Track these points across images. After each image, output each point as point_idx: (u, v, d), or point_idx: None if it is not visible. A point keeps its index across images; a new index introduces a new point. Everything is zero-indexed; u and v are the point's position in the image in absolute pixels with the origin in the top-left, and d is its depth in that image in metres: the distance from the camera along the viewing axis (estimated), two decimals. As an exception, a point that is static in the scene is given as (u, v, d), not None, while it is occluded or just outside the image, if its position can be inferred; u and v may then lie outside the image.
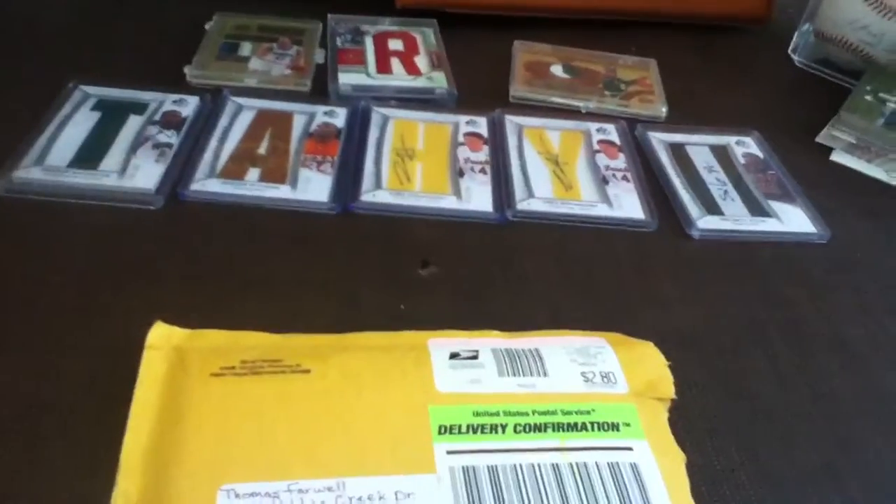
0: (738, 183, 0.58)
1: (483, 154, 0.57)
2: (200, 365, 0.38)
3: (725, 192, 0.57)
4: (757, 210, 0.55)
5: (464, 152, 0.56)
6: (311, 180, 0.52)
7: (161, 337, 0.39)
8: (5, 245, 0.45)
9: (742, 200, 0.56)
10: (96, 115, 0.55)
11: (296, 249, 0.48)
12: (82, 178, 0.49)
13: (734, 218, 0.54)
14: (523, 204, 0.53)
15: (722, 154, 0.61)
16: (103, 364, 0.39)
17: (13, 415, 0.37)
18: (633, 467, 0.36)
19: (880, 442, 0.41)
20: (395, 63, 0.65)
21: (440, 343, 0.41)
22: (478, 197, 0.53)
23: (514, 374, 0.39)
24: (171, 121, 0.55)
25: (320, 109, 0.58)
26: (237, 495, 0.32)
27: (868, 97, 0.68)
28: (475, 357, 0.40)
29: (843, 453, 0.40)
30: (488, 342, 0.41)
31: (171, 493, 0.33)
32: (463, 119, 0.60)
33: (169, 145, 0.53)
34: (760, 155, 0.61)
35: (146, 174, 0.50)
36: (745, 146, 0.62)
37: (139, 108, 0.56)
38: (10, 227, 0.46)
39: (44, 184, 0.49)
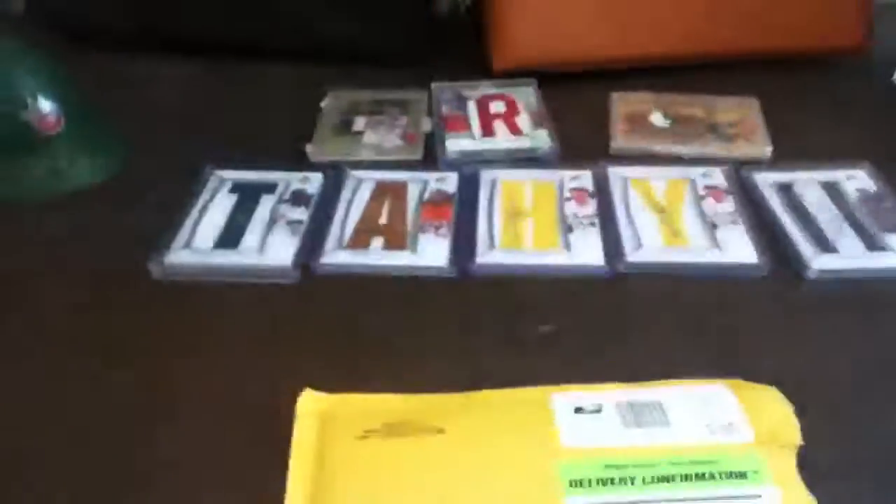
0: (852, 218, 0.57)
1: (590, 208, 0.59)
2: (347, 428, 0.41)
3: (839, 228, 0.56)
4: (873, 245, 0.55)
5: (571, 207, 0.59)
6: (430, 245, 0.55)
7: (310, 403, 0.43)
8: (162, 323, 0.51)
9: (858, 236, 0.56)
10: (233, 198, 0.60)
11: (420, 313, 0.51)
12: (226, 259, 0.55)
13: (850, 255, 0.54)
14: (633, 255, 0.54)
15: (833, 190, 0.61)
16: (255, 429, 0.43)
17: (173, 478, 0.41)
18: (764, 514, 0.37)
19: None
20: (499, 125, 0.68)
21: (563, 397, 0.43)
22: (588, 251, 0.55)
23: (639, 426, 0.41)
24: (299, 198, 0.60)
25: (433, 177, 0.62)
26: (389, 551, 0.35)
27: (983, 119, 0.67)
28: (599, 410, 0.42)
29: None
30: (610, 395, 0.43)
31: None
32: (568, 174, 0.62)
33: (300, 221, 0.58)
34: (873, 187, 0.61)
35: (282, 250, 0.55)
36: (857, 180, 0.62)
37: (270, 188, 0.61)
38: (166, 307, 0.52)
39: (193, 266, 0.54)
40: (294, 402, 0.43)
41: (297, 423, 0.42)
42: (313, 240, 0.56)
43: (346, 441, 0.40)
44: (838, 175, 0.62)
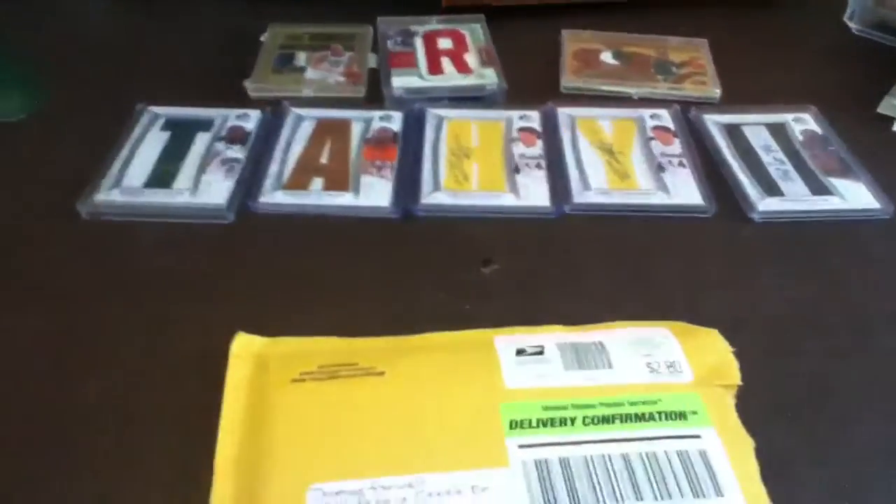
0: (798, 161, 0.57)
1: (538, 149, 0.57)
2: (281, 371, 0.40)
3: (785, 171, 0.56)
4: (818, 188, 0.55)
5: (519, 148, 0.57)
6: (373, 186, 0.53)
7: (243, 345, 0.41)
8: (89, 265, 0.48)
9: (803, 179, 0.56)
10: (166, 135, 0.58)
11: (360, 255, 0.50)
12: (158, 198, 0.52)
13: (795, 198, 0.54)
14: (580, 196, 0.54)
15: (780, 133, 0.60)
16: (187, 373, 0.41)
17: (107, 425, 0.39)
18: (702, 454, 0.37)
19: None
20: (446, 62, 0.66)
21: (506, 340, 0.42)
22: (535, 192, 0.54)
23: (580, 368, 0.40)
24: (236, 136, 0.58)
25: (376, 115, 0.60)
26: (325, 494, 0.34)
27: (930, 62, 0.67)
28: (541, 352, 0.41)
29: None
30: (553, 337, 0.43)
31: (264, 494, 0.35)
32: (516, 114, 0.61)
33: (237, 160, 0.55)
34: (819, 131, 0.61)
35: (217, 190, 0.53)
36: (804, 123, 0.61)
37: (205, 125, 0.59)
38: (93, 248, 0.49)
39: (122, 205, 0.52)
40: (228, 345, 0.41)
41: (229, 365, 0.40)
42: (250, 179, 0.54)
43: (281, 384, 0.39)
44: (786, 117, 0.62)
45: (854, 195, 0.54)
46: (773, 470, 0.37)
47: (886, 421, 0.41)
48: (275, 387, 0.39)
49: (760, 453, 0.37)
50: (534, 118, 0.60)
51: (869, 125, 0.63)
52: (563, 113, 0.61)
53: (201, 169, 0.54)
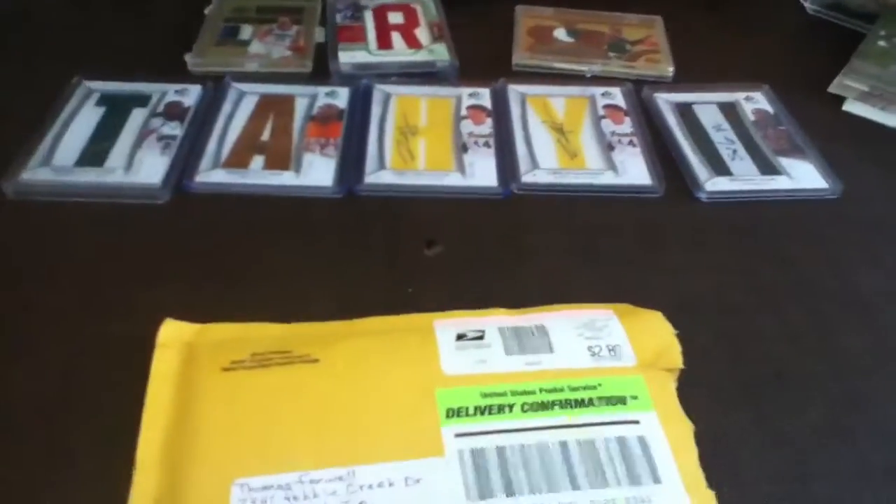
0: (748, 141, 0.57)
1: (487, 127, 0.56)
2: (211, 360, 0.38)
3: (734, 151, 0.56)
4: (767, 168, 0.54)
5: (467, 126, 0.56)
6: (315, 164, 0.52)
7: (171, 334, 0.40)
8: (16, 247, 0.46)
9: (751, 159, 0.55)
10: (101, 111, 0.55)
11: (301, 236, 0.48)
12: (89, 177, 0.50)
13: (743, 178, 0.53)
14: (528, 176, 0.52)
15: (731, 112, 0.60)
16: (117, 361, 0.40)
17: (31, 413, 0.38)
18: (641, 440, 0.36)
19: (890, 397, 0.41)
20: (396, 37, 0.64)
21: (446, 324, 0.41)
22: (482, 172, 0.52)
23: (521, 352, 0.39)
24: (174, 112, 0.55)
25: (322, 91, 0.58)
26: (251, 489, 0.33)
27: (882, 42, 0.67)
28: (481, 337, 0.40)
29: (855, 411, 0.40)
30: (495, 321, 0.42)
31: (187, 488, 0.34)
32: (466, 91, 0.59)
33: (173, 137, 0.53)
34: (770, 110, 0.60)
35: (151, 168, 0.51)
36: (755, 102, 0.61)
37: (142, 100, 0.56)
38: (21, 229, 0.47)
39: (52, 184, 0.49)
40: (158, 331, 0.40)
41: (155, 355, 0.38)
42: (187, 157, 0.52)
43: (210, 373, 0.38)
44: (737, 96, 0.61)
45: (802, 175, 0.54)
46: (716, 454, 0.36)
47: (837, 400, 0.41)
48: (203, 377, 0.38)
49: (704, 437, 0.37)
50: (484, 96, 0.59)
51: (821, 104, 0.62)
52: (514, 90, 0.60)
53: (136, 146, 0.52)
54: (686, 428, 0.37)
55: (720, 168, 0.54)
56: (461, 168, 0.53)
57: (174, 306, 0.41)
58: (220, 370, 0.38)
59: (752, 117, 0.59)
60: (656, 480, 0.35)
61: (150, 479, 0.34)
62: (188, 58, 0.61)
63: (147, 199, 0.49)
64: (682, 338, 0.41)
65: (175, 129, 0.54)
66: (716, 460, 0.36)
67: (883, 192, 0.54)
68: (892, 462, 0.38)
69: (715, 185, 0.52)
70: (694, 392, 0.39)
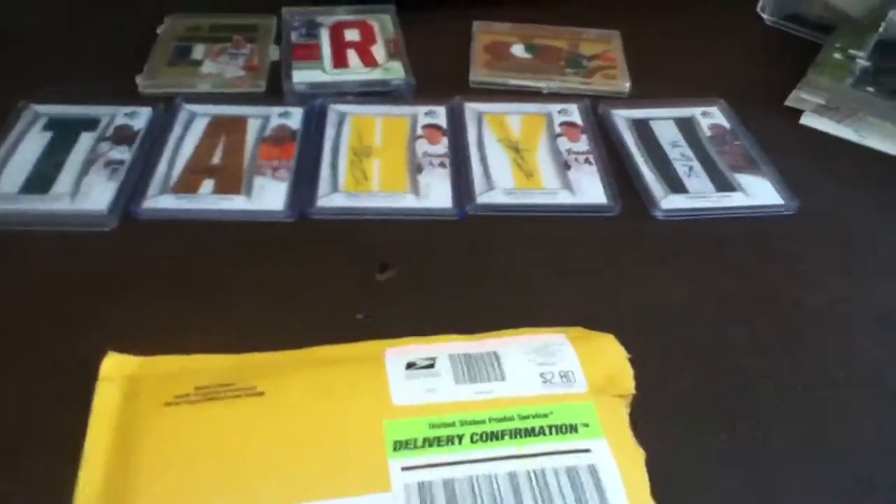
0: (704, 157, 0.57)
1: (442, 146, 0.56)
2: (153, 394, 0.37)
3: (691, 168, 0.56)
4: (722, 185, 0.54)
5: (422, 146, 0.55)
6: (267, 188, 0.51)
7: (113, 367, 0.39)
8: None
9: (708, 176, 0.55)
10: (48, 136, 0.54)
11: (251, 262, 0.47)
12: (34, 204, 0.49)
13: (699, 195, 0.53)
14: (483, 197, 0.52)
15: (687, 127, 0.60)
16: (58, 395, 0.39)
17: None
18: (591, 469, 0.36)
19: (862, 408, 0.41)
20: (352, 55, 0.63)
21: (397, 352, 0.40)
22: (437, 193, 0.52)
23: (472, 381, 0.39)
24: (123, 135, 0.54)
25: (275, 111, 0.57)
26: (191, 529, 0.32)
27: (837, 55, 0.67)
28: (432, 365, 0.39)
29: (817, 429, 0.40)
30: (446, 347, 0.41)
31: (127, 529, 0.33)
32: (422, 110, 0.59)
33: (121, 162, 0.52)
34: (727, 125, 0.60)
35: (98, 195, 0.50)
36: (711, 117, 0.61)
37: (91, 124, 0.55)
38: (-36, 260, 0.46)
39: (-5, 212, 0.48)
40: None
41: (97, 390, 0.37)
42: (136, 182, 0.51)
43: (153, 408, 0.37)
44: (694, 111, 0.61)
45: (758, 191, 0.54)
46: (669, 480, 0.36)
47: (806, 414, 0.40)
48: (145, 412, 0.37)
49: (658, 463, 0.36)
50: (440, 114, 0.59)
51: (778, 118, 0.63)
52: (471, 108, 0.59)
53: (83, 171, 0.51)
54: (637, 455, 0.37)
55: (676, 185, 0.54)
56: (416, 189, 0.52)
57: (117, 338, 0.40)
58: (163, 405, 0.37)
59: (708, 133, 0.59)
60: (606, 511, 0.34)
61: (87, 523, 0.33)
62: (139, 79, 0.60)
63: (94, 227, 0.48)
64: (637, 358, 0.40)
65: (124, 154, 0.53)
66: (668, 487, 0.36)
67: (839, 206, 0.55)
68: (862, 477, 0.38)
69: (671, 202, 0.52)
70: (648, 414, 0.39)
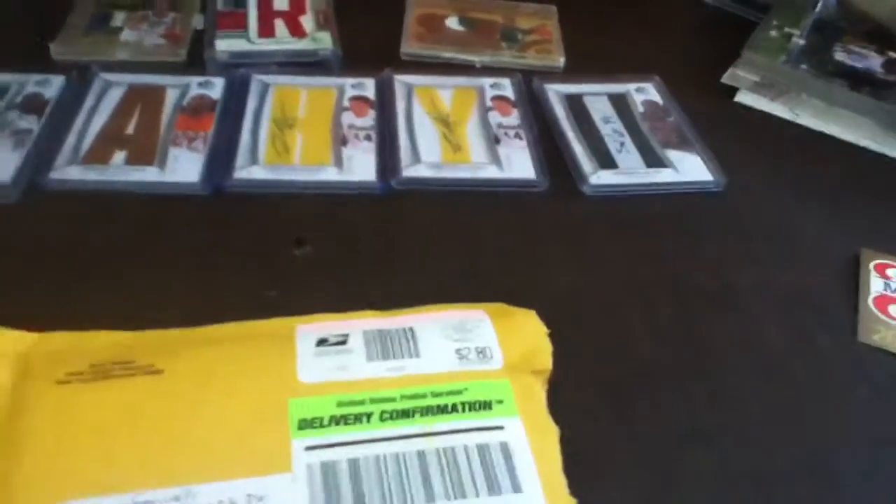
0: (636, 133, 0.56)
1: (369, 119, 0.54)
2: (45, 372, 0.35)
3: (622, 143, 0.55)
4: (653, 161, 0.54)
5: (348, 118, 0.54)
6: (181, 159, 0.49)
7: (6, 344, 0.37)
8: None
9: (639, 151, 0.54)
10: (-50, 103, 0.51)
11: (160, 237, 0.45)
12: (-70, 174, 0.46)
13: (629, 171, 0.52)
14: (409, 171, 0.51)
15: (620, 103, 0.59)
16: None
17: None
18: (503, 447, 0.35)
19: (761, 395, 0.40)
20: (279, 24, 0.61)
21: (309, 329, 0.39)
22: (361, 166, 0.50)
23: (385, 358, 0.37)
24: (32, 104, 0.52)
25: (195, 81, 0.55)
26: (77, 512, 0.31)
27: (773, 32, 0.67)
28: (344, 342, 0.38)
29: (720, 413, 0.39)
30: (361, 324, 0.40)
31: (10, 511, 0.31)
32: (349, 82, 0.57)
33: (28, 132, 0.49)
34: (660, 101, 0.59)
35: (2, 165, 0.47)
36: (645, 93, 0.60)
37: (-2, 92, 0.52)
38: None
39: None
40: (-6, 341, 0.37)
41: (-15, 366, 0.35)
42: (43, 153, 0.48)
43: (43, 387, 0.35)
44: (628, 87, 0.60)
45: (688, 167, 0.53)
46: (581, 459, 0.35)
47: (703, 399, 0.40)
48: (35, 390, 0.35)
49: (570, 442, 0.36)
50: (368, 86, 0.57)
51: (712, 96, 0.62)
52: (401, 81, 0.58)
53: (-14, 141, 0.49)
54: (551, 433, 0.36)
55: (606, 161, 0.53)
56: (339, 162, 0.50)
57: (15, 314, 0.38)
58: (55, 383, 0.35)
59: (641, 108, 0.58)
60: (516, 489, 0.33)
61: (-37, 506, 0.31)
62: (52, 46, 0.57)
63: (-6, 199, 0.46)
64: (553, 337, 0.39)
65: (32, 123, 0.50)
66: (579, 466, 0.35)
67: (766, 184, 0.54)
68: (753, 466, 0.37)
69: (600, 178, 0.52)
70: (562, 393, 0.38)
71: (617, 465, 0.37)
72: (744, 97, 0.62)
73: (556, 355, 0.39)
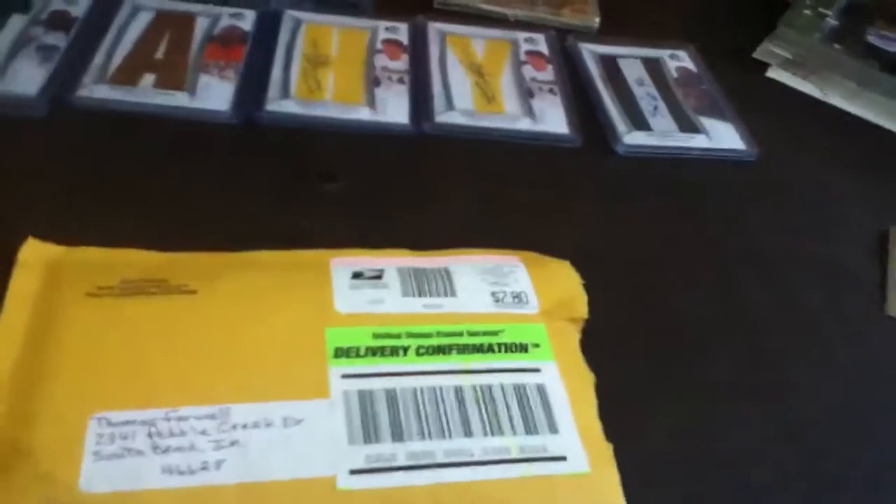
0: (669, 98, 0.55)
1: (402, 63, 0.53)
2: (76, 284, 0.34)
3: (655, 107, 0.54)
4: (686, 126, 0.53)
5: (381, 60, 0.53)
6: (212, 87, 0.48)
7: (33, 253, 0.36)
8: None
9: (672, 115, 0.54)
10: (-27, 14, 0.50)
11: (190, 161, 0.44)
12: (-47, 82, 0.45)
13: (662, 133, 0.52)
14: (442, 116, 0.50)
15: (654, 68, 0.58)
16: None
17: None
18: (540, 389, 0.34)
19: (792, 357, 0.40)
20: (313, -36, 0.60)
21: (344, 262, 0.38)
22: (394, 108, 0.49)
23: (421, 295, 0.37)
24: (58, 21, 0.50)
25: (226, 11, 0.54)
26: (110, 423, 0.30)
27: (807, 11, 0.66)
28: (380, 277, 0.37)
29: (755, 368, 0.39)
30: (395, 261, 0.39)
31: (39, 419, 0.30)
32: (382, 25, 0.56)
33: (55, 48, 0.48)
34: (694, 69, 0.59)
35: (28, 78, 0.46)
36: (679, 60, 0.59)
37: (23, 6, 0.51)
38: None
39: None
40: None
41: (14, 274, 0.34)
42: (70, 70, 0.47)
43: (73, 298, 0.34)
44: (662, 53, 0.60)
45: (721, 135, 0.53)
46: (615, 407, 0.35)
47: (738, 357, 0.40)
48: (65, 301, 0.34)
49: (605, 389, 0.35)
50: (401, 31, 0.56)
51: (744, 69, 0.62)
52: (434, 28, 0.57)
53: (11, 55, 0.47)
54: (586, 379, 0.36)
55: (640, 122, 0.52)
56: (372, 103, 0.49)
57: (42, 226, 0.37)
58: (85, 295, 0.34)
59: (675, 74, 0.58)
60: (553, 430, 0.33)
61: (-4, 408, 0.30)
62: (80, -36, 0.55)
63: (22, 111, 0.44)
64: (587, 288, 0.39)
65: (59, 40, 0.49)
66: (614, 413, 0.35)
67: (796, 157, 0.54)
68: (790, 421, 0.37)
69: (633, 138, 0.51)
70: (596, 344, 0.37)
71: (652, 415, 0.36)
72: (774, 73, 0.62)
73: (591, 305, 0.38)
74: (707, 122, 0.54)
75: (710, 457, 0.35)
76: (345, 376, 0.33)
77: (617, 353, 0.38)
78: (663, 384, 0.38)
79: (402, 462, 0.31)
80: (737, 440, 0.36)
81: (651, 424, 0.36)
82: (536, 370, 0.35)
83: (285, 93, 0.48)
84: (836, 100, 0.61)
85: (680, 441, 0.36)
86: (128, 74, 0.47)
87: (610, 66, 0.57)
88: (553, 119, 0.51)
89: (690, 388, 0.38)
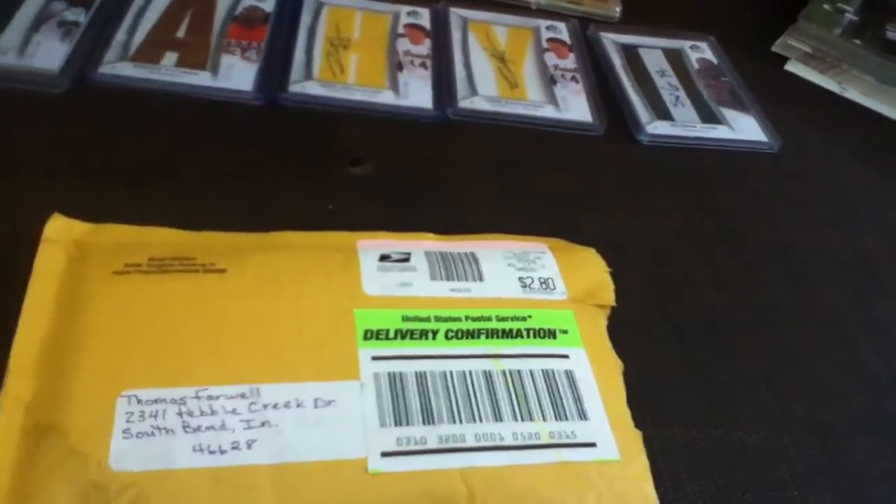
0: (691, 89, 0.55)
1: (424, 47, 0.53)
2: (103, 261, 0.34)
3: (677, 97, 0.54)
4: (708, 117, 0.53)
5: (404, 44, 0.52)
6: (235, 67, 0.47)
7: (60, 230, 0.35)
8: None
9: (693, 106, 0.54)
10: (-7, -12, 0.49)
11: (214, 141, 0.44)
12: (-26, 56, 0.44)
13: (684, 124, 0.52)
14: (465, 102, 0.49)
15: (675, 58, 0.58)
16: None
17: None
18: (568, 375, 0.34)
19: (817, 351, 0.40)
20: (333, -54, 0.59)
21: (370, 245, 0.38)
22: (417, 93, 0.49)
23: (448, 279, 0.37)
24: (79, -3, 0.50)
25: (247, -9, 0.53)
26: (139, 401, 0.30)
27: (826, 6, 0.66)
28: (407, 260, 0.37)
29: (780, 362, 0.39)
30: (422, 245, 0.39)
31: (67, 397, 0.30)
32: (404, 9, 0.55)
33: (76, 24, 0.48)
34: (715, 61, 0.59)
35: (49, 54, 0.45)
36: (700, 51, 0.59)
37: (43, -19, 0.50)
38: None
39: (-71, 60, 0.43)
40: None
41: (39, 251, 0.34)
42: (92, 46, 0.47)
43: (100, 274, 0.33)
44: (683, 44, 0.59)
45: (743, 126, 0.53)
46: (643, 395, 0.35)
47: (763, 350, 0.40)
48: (92, 278, 0.33)
49: (632, 378, 0.35)
50: (423, 16, 0.55)
51: (764, 62, 0.61)
52: (456, 14, 0.56)
53: (32, 29, 0.46)
54: (615, 366, 0.36)
55: (662, 112, 0.52)
56: (395, 87, 0.49)
57: (65, 204, 0.36)
58: (112, 273, 0.33)
59: (696, 66, 0.58)
60: (582, 416, 0.33)
61: (25, 386, 0.30)
62: (100, -59, 0.54)
63: (43, 87, 0.44)
64: (613, 276, 0.39)
65: (79, 16, 0.48)
66: (642, 401, 0.34)
67: (817, 153, 0.54)
68: (815, 415, 0.37)
69: (656, 128, 0.51)
70: (623, 332, 0.37)
71: (680, 403, 0.36)
72: (794, 67, 0.62)
73: (617, 293, 0.38)
74: (729, 114, 0.53)
75: (737, 448, 0.35)
76: (375, 358, 0.33)
77: (644, 341, 0.38)
78: (689, 374, 0.38)
79: (432, 445, 0.31)
80: (763, 433, 0.36)
81: (677, 414, 0.36)
82: (565, 356, 0.35)
83: (309, 74, 0.48)
84: (855, 94, 0.60)
85: (706, 430, 0.36)
86: (150, 53, 0.47)
87: (631, 56, 0.57)
88: (576, 107, 0.51)
89: (716, 378, 0.38)
